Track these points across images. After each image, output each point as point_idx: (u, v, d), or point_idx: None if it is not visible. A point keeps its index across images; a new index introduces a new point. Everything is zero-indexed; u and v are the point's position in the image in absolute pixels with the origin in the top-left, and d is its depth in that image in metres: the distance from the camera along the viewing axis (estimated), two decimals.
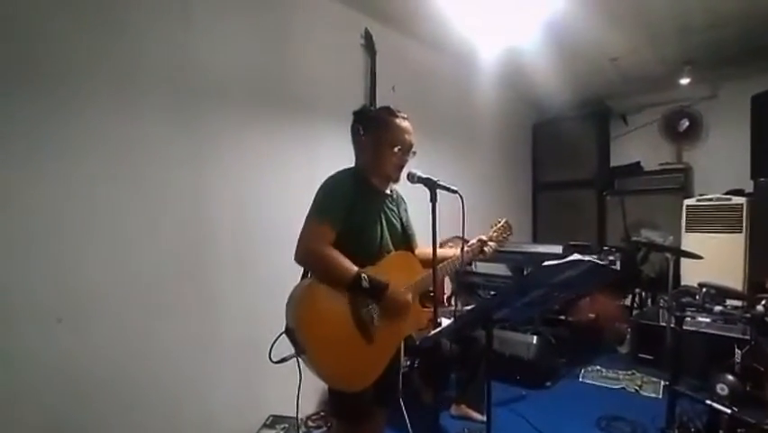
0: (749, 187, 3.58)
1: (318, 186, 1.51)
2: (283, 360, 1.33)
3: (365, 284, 1.37)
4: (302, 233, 1.43)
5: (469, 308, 2.44)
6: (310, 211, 1.46)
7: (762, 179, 3.36)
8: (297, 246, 1.42)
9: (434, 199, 1.43)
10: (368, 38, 2.93)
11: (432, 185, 1.44)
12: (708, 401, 2.00)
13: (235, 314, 2.28)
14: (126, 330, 1.90)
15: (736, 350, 2.10)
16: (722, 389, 1.99)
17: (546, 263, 1.15)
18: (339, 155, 1.69)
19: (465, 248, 1.65)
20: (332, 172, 1.55)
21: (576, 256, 1.12)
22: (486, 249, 1.70)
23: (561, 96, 4.52)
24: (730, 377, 2.01)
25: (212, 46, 2.20)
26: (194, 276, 2.14)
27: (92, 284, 1.81)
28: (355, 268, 1.39)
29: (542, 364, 3.03)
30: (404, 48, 3.31)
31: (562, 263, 1.14)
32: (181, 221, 2.10)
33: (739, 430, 1.93)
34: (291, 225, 1.48)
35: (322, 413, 2.48)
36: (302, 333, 1.31)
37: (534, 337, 3.05)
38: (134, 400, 1.92)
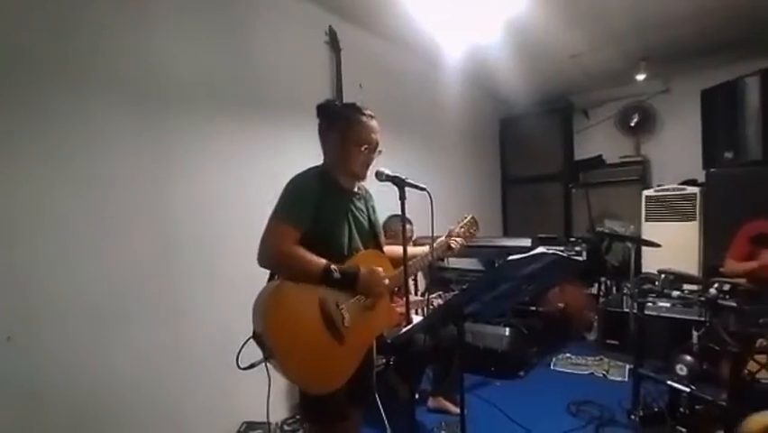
0: (702, 177, 3.78)
1: (285, 185, 1.47)
2: (251, 366, 1.29)
3: (336, 275, 1.34)
4: (264, 234, 1.38)
5: (438, 300, 2.48)
6: (273, 211, 1.41)
7: (712, 170, 3.56)
8: (260, 248, 1.36)
9: (402, 197, 1.43)
10: (332, 35, 2.90)
11: (400, 183, 1.44)
12: (669, 382, 2.10)
13: (206, 319, 2.21)
14: (90, 342, 1.80)
15: (693, 332, 2.21)
16: (681, 369, 2.09)
17: (511, 258, 1.16)
18: (305, 154, 1.66)
19: (434, 245, 1.65)
20: (299, 171, 1.52)
21: (540, 249, 1.14)
22: (453, 245, 1.70)
23: (525, 92, 4.62)
24: (688, 357, 2.11)
25: (172, 46, 2.12)
26: (161, 281, 2.06)
27: (47, 297, 1.70)
28: (323, 261, 1.35)
29: (515, 355, 3.10)
30: (369, 45, 3.29)
31: (527, 257, 1.16)
32: (147, 226, 2.02)
33: (697, 407, 2.04)
34: (259, 227, 1.44)
35: (297, 417, 2.45)
36: (269, 336, 1.27)
37: (507, 329, 3.11)
38: (104, 412, 1.84)
